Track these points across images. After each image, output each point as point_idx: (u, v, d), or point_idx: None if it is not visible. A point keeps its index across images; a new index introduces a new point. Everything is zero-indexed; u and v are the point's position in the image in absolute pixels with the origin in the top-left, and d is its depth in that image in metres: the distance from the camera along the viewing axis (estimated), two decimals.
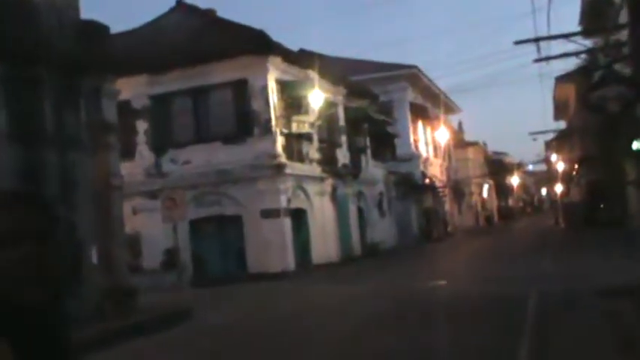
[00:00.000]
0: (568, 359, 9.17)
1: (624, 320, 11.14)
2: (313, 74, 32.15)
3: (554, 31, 50.37)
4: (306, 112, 31.04)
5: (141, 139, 30.55)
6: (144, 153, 30.42)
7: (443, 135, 59.87)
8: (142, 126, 30.56)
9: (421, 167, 52.53)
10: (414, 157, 51.02)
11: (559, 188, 78.08)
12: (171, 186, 27.44)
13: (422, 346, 11.04)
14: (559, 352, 9.63)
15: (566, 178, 69.70)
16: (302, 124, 31.29)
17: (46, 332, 1.80)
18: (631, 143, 24.64)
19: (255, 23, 29.83)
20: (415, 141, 53.03)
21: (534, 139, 68.53)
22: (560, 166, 69.69)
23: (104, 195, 18.50)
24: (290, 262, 28.94)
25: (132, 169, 27.32)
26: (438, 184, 57.75)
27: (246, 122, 29.29)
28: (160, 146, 30.24)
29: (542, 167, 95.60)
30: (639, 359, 8.56)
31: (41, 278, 1.78)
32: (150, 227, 28.62)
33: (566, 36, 22.65)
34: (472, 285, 19.96)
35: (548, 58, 23.98)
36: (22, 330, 1.77)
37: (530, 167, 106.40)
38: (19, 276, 1.74)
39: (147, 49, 29.50)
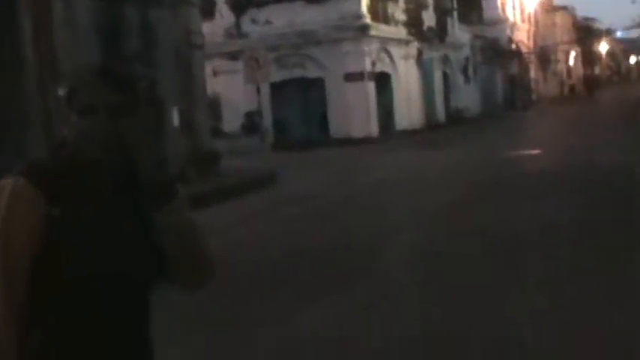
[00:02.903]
0: None
1: None
2: None
3: None
4: None
5: None
6: (223, 12, 29.40)
7: None
8: None
9: (508, 32, 50.28)
10: (500, 21, 48.80)
11: None
12: (251, 47, 26.52)
13: (534, 220, 10.16)
14: None
15: None
16: None
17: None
18: None
19: None
20: (503, 4, 50.56)
21: (633, 2, 64.18)
22: None
23: (185, 54, 17.72)
24: (373, 127, 28.13)
25: (212, 30, 26.39)
26: (524, 50, 55.43)
27: None
28: (240, 5, 29.14)
29: (633, 34, 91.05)
30: None
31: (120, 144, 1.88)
32: (230, 90, 27.98)
33: None
34: (568, 155, 18.81)
35: None
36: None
37: (619, 34, 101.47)
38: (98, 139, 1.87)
39: None
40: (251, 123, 27.01)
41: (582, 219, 9.76)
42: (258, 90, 22.92)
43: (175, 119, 16.85)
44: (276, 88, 28.35)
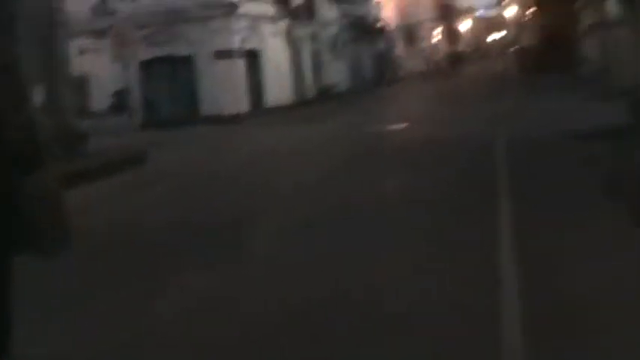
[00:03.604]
0: (554, 204, 8.78)
1: (604, 162, 10.80)
2: None
3: None
4: None
5: None
6: None
7: None
8: None
9: (375, 10, 51.23)
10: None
11: (507, 33, 77.74)
12: (119, 24, 26.07)
13: (398, 189, 10.63)
14: (543, 196, 9.25)
15: (517, 23, 68.95)
16: None
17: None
18: None
19: None
20: None
21: None
22: (511, 11, 68.82)
23: (48, 32, 17.31)
24: (244, 104, 28.24)
25: (77, 7, 25.72)
26: (390, 27, 56.63)
27: None
28: None
29: (494, 13, 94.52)
30: (625, 199, 8.21)
31: None
32: (98, 68, 27.44)
33: None
34: (432, 127, 19.53)
35: None
36: None
37: (481, 12, 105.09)
38: None
39: None
40: (119, 102, 26.60)
41: (440, 191, 10.27)
42: (125, 68, 22.61)
43: (39, 98, 16.47)
44: (146, 66, 28.00)
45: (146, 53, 27.45)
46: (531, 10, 53.99)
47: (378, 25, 51.66)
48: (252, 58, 29.91)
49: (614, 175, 9.66)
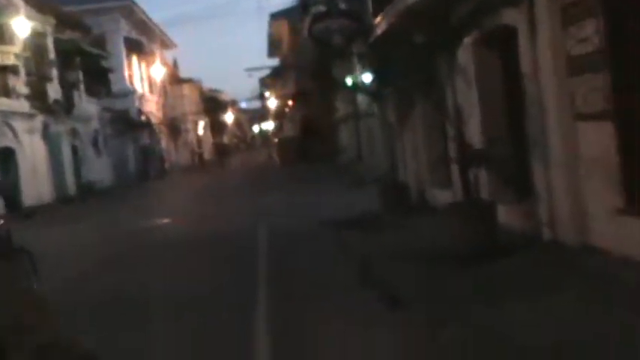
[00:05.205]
0: (312, 292, 8.99)
1: (357, 250, 11.25)
2: (17, 0, 29.60)
3: None
4: (11, 42, 28.55)
5: None
6: None
7: (159, 71, 58.56)
8: None
9: (137, 104, 51.01)
10: (129, 93, 49.33)
11: (270, 125, 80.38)
12: None
13: (158, 289, 10.41)
14: (301, 287, 9.44)
15: (279, 114, 71.49)
16: (6, 56, 28.71)
17: None
18: (342, 79, 25.28)
19: None
20: (130, 76, 51.28)
21: (250, 76, 69.53)
22: (273, 103, 71.22)
23: None
24: None
25: None
26: (154, 121, 56.56)
27: None
28: None
29: (257, 104, 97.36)
30: (377, 287, 8.58)
31: None
32: None
33: None
34: (197, 222, 19.49)
35: None
36: None
37: (244, 104, 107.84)
38: None
39: None
40: None
41: (197, 291, 10.19)
42: None
43: None
44: None
45: None
46: (290, 102, 56.28)
47: (141, 119, 51.40)
48: (6, 156, 28.58)
49: (366, 262, 10.09)
